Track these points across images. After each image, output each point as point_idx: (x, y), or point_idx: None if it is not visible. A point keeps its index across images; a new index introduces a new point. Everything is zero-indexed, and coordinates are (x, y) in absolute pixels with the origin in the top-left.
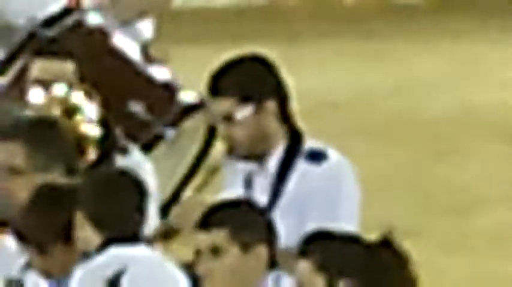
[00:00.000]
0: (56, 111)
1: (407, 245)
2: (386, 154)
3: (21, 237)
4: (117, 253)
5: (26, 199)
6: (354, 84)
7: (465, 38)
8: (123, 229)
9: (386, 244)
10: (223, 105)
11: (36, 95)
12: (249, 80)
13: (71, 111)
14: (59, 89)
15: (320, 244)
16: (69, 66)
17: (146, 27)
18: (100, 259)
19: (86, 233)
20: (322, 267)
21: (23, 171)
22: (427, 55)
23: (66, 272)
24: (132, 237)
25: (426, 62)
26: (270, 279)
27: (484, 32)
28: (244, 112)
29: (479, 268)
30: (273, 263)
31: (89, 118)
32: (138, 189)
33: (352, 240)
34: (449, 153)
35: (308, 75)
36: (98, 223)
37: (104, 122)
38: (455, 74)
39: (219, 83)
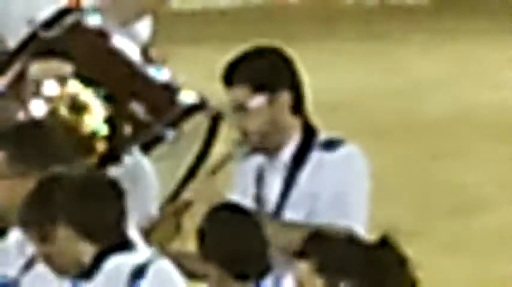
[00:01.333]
0: (64, 107)
1: (407, 245)
2: (387, 154)
3: (25, 225)
4: (126, 259)
5: (8, 200)
6: (354, 84)
7: (465, 38)
8: (114, 237)
9: (385, 244)
10: (236, 94)
11: (49, 88)
12: (264, 70)
13: (79, 108)
14: (73, 86)
15: (319, 245)
16: (67, 67)
17: (145, 28)
18: (115, 264)
19: (78, 246)
20: (321, 268)
21: (5, 177)
22: (427, 55)
23: (70, 265)
24: (126, 243)
25: (426, 62)
26: (270, 280)
27: (484, 32)
28: (257, 102)
29: (480, 269)
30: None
31: (96, 117)
32: (117, 192)
33: (351, 241)
34: (449, 153)
35: (307, 75)
36: (87, 235)
37: (111, 121)
38: (455, 74)
39: (233, 73)
